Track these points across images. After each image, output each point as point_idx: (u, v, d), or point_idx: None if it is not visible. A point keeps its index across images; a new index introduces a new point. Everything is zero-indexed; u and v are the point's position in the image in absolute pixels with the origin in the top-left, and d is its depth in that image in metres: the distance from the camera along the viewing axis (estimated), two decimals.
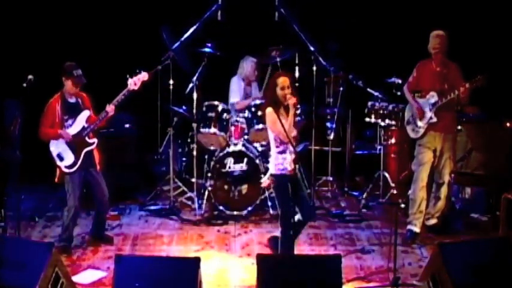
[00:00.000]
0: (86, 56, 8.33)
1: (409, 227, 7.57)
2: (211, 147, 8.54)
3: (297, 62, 8.56)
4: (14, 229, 7.02)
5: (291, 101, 6.22)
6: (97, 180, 7.28)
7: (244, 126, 8.41)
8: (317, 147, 8.86)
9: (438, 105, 7.37)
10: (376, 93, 8.58)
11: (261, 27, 9.24)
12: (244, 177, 8.28)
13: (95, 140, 7.26)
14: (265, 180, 6.81)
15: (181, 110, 8.67)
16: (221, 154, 8.29)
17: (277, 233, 6.60)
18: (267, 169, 8.03)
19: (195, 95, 8.32)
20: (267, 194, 8.22)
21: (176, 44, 8.28)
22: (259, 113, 8.20)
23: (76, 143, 7.16)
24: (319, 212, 8.37)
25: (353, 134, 9.55)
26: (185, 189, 8.71)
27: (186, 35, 8.31)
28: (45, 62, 9.03)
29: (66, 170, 7.16)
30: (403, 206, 7.71)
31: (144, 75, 7.24)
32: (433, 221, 7.69)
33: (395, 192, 8.48)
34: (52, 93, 7.22)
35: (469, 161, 8.28)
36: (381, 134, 8.86)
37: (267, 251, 7.13)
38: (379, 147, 8.94)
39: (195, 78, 8.39)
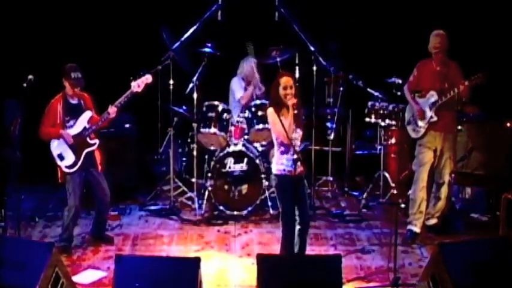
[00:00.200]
0: (86, 56, 8.34)
1: (409, 227, 7.57)
2: (212, 147, 8.54)
3: (297, 62, 8.56)
4: (14, 229, 7.02)
5: (290, 102, 6.22)
6: (98, 180, 7.28)
7: (244, 126, 8.41)
8: (317, 147, 8.87)
9: (438, 104, 7.37)
10: (376, 93, 8.58)
11: (261, 27, 9.24)
12: (244, 177, 8.28)
13: (97, 141, 7.25)
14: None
15: (181, 110, 8.68)
16: (221, 154, 8.30)
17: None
18: (267, 169, 8.06)
19: (195, 95, 8.32)
20: (267, 194, 8.22)
21: (176, 44, 8.28)
22: (259, 113, 8.20)
23: (77, 144, 7.15)
24: (319, 212, 8.38)
25: (353, 134, 9.55)
26: (185, 189, 8.71)
27: (186, 35, 8.31)
28: (46, 62, 9.03)
29: (67, 170, 7.16)
30: (403, 206, 7.71)
31: (148, 78, 7.25)
32: (433, 221, 7.69)
33: (395, 192, 8.48)
34: (52, 93, 7.23)
35: (469, 161, 8.28)
36: (381, 134, 8.86)
37: (267, 251, 7.13)
38: (379, 147, 8.93)
39: (195, 78, 8.39)
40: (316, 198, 8.60)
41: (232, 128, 8.40)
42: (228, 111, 8.42)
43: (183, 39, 8.31)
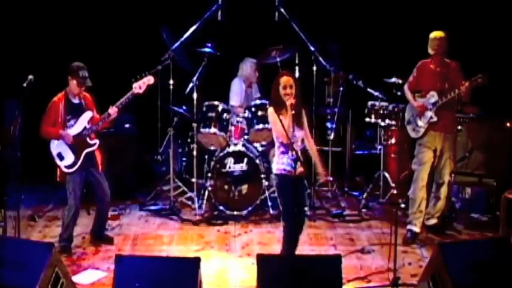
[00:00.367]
0: (86, 56, 8.32)
1: (409, 227, 7.57)
2: (211, 147, 8.54)
3: (297, 62, 8.55)
4: (14, 229, 7.02)
5: (289, 102, 6.22)
6: (98, 180, 7.27)
7: (244, 126, 8.42)
8: (317, 147, 8.84)
9: (438, 105, 7.37)
10: (376, 93, 8.58)
11: (261, 27, 9.24)
12: (244, 177, 8.28)
13: (97, 141, 7.24)
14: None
15: (181, 110, 8.68)
16: (221, 154, 8.30)
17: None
18: (267, 169, 8.06)
19: (195, 95, 8.32)
20: (267, 194, 8.22)
21: (176, 44, 8.28)
22: (259, 113, 8.20)
23: (77, 144, 7.15)
24: (319, 212, 8.37)
25: (353, 134, 9.55)
26: (185, 189, 8.71)
27: (186, 35, 8.31)
28: (46, 62, 9.04)
29: (66, 170, 7.16)
30: (403, 206, 7.71)
31: (149, 79, 7.25)
32: (433, 221, 7.69)
33: (395, 192, 8.48)
34: (52, 93, 7.22)
35: (469, 161, 8.29)
36: (381, 134, 8.86)
37: (267, 251, 7.13)
38: (379, 147, 8.94)
39: (195, 78, 8.39)
40: (316, 198, 8.60)
41: (232, 128, 8.40)
42: (228, 111, 8.42)
43: (183, 39, 8.31)
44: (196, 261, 5.66)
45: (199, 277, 5.61)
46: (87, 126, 7.18)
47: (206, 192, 8.31)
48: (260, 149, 8.48)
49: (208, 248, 7.43)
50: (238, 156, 8.28)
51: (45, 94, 7.24)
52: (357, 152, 9.65)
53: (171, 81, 8.36)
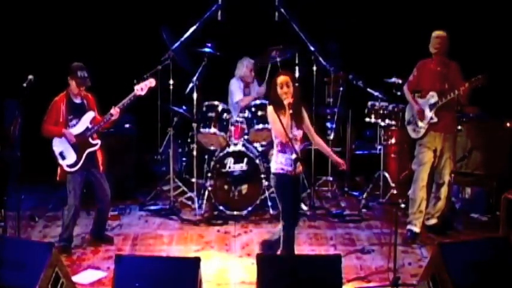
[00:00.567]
0: (86, 56, 8.32)
1: (409, 227, 7.57)
2: (211, 147, 8.55)
3: (297, 62, 8.55)
4: (14, 229, 7.02)
5: (286, 101, 6.22)
6: (99, 180, 7.28)
7: (244, 126, 8.41)
8: (317, 148, 8.85)
9: (438, 105, 7.37)
10: (376, 93, 8.58)
11: (261, 27, 9.24)
12: (244, 177, 8.28)
13: (98, 142, 7.25)
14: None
15: (181, 110, 8.68)
16: (221, 154, 8.30)
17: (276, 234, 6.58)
18: (267, 169, 8.06)
19: (195, 95, 8.32)
20: (267, 194, 8.22)
21: (176, 44, 8.28)
22: (259, 113, 8.21)
23: (79, 143, 7.15)
24: (319, 212, 8.37)
25: (353, 134, 9.55)
26: (185, 189, 8.71)
27: (186, 35, 8.31)
28: (46, 62, 9.04)
29: (67, 169, 7.16)
30: (403, 206, 7.72)
31: (151, 82, 7.28)
32: (433, 221, 7.69)
33: (395, 192, 8.48)
34: (52, 93, 7.22)
35: (469, 161, 8.29)
36: (381, 134, 8.87)
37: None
38: (379, 147, 8.94)
39: (195, 78, 8.39)
40: (316, 198, 8.60)
41: (232, 128, 8.40)
42: (228, 111, 8.42)
43: (183, 39, 8.31)
44: (196, 261, 5.66)
45: (199, 277, 5.61)
46: (90, 127, 7.19)
47: (206, 192, 8.31)
48: (260, 149, 8.49)
49: (208, 248, 7.43)
50: (238, 156, 8.28)
51: (45, 94, 7.24)
52: (357, 152, 9.65)
53: (171, 81, 8.36)
